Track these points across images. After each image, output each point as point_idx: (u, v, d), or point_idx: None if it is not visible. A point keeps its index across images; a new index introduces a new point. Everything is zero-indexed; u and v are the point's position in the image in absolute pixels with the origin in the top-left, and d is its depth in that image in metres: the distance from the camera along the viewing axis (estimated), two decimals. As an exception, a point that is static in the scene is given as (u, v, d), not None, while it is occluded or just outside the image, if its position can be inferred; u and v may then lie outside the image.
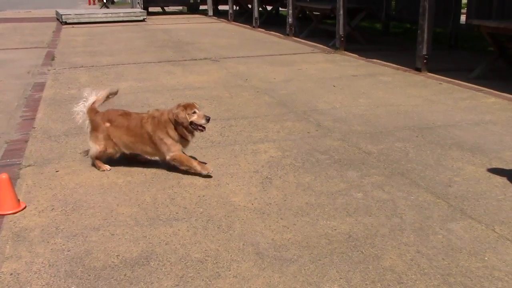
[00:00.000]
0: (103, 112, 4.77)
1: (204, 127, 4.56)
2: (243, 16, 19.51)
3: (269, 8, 20.24)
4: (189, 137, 4.60)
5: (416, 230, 3.60)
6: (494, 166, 4.73)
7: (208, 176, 4.53)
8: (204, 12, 23.55)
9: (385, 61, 10.41)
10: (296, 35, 14.57)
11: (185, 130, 4.51)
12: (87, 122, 4.74)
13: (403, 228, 3.63)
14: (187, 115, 4.44)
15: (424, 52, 9.21)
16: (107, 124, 4.65)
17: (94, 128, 4.68)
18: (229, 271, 3.12)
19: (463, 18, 13.49)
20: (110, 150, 4.70)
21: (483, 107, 6.82)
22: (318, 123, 6.16)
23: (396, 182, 4.42)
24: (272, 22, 17.80)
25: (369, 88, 8.08)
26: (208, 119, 4.50)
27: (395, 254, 3.30)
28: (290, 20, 14.69)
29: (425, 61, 9.24)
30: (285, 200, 4.09)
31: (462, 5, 14.41)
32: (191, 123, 4.48)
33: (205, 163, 4.69)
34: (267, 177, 4.56)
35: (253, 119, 6.34)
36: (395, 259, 3.23)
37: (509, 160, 4.88)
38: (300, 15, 17.26)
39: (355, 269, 3.13)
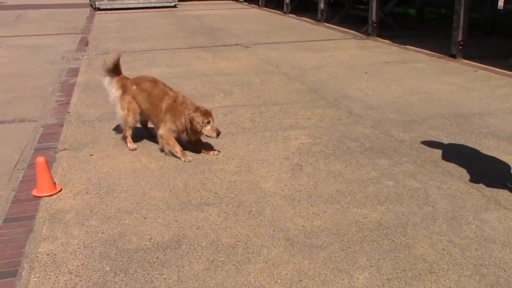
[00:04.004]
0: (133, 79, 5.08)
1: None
2: (274, 2, 19.35)
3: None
4: (192, 137, 4.71)
5: (448, 219, 3.55)
6: (531, 156, 4.62)
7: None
8: (235, -2, 23.48)
9: (418, 47, 10.21)
10: (327, 20, 14.40)
11: (192, 132, 4.62)
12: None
13: (435, 217, 3.58)
14: (201, 123, 4.51)
15: (460, 38, 9.00)
16: (134, 87, 4.89)
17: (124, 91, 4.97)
18: (259, 256, 3.15)
19: (500, 3, 13.09)
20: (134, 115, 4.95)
21: (521, 95, 6.64)
22: (350, 110, 6.10)
23: (429, 171, 4.35)
24: (303, 7, 17.61)
25: (402, 75, 7.95)
26: (218, 134, 4.60)
27: (427, 243, 3.27)
28: (321, 5, 14.52)
29: (460, 47, 9.02)
30: (315, 187, 4.09)
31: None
32: (203, 131, 4.58)
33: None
34: (297, 163, 4.55)
35: (284, 105, 6.32)
36: (426, 248, 3.20)
37: (547, 150, 4.75)
38: (332, 0, 17.04)
39: (385, 258, 3.11)
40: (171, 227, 3.49)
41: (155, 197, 3.95)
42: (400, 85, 7.29)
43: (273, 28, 13.65)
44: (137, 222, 3.58)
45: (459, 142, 4.99)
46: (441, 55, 9.33)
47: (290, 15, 16.61)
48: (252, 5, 20.66)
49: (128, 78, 5.07)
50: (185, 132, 4.67)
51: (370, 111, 6.04)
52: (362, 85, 7.30)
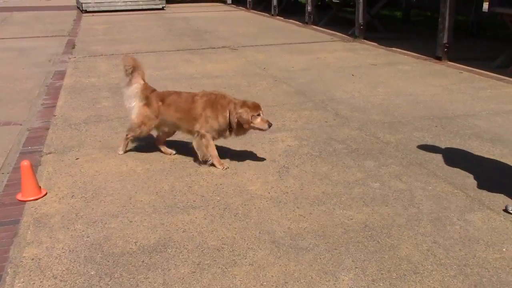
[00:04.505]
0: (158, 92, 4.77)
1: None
2: (261, 4, 19.39)
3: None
4: (237, 133, 4.47)
5: (433, 220, 3.59)
6: (514, 157, 4.68)
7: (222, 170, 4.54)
8: (223, 0, 23.49)
9: (405, 49, 10.29)
10: (315, 23, 14.47)
11: (240, 129, 4.39)
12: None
13: (420, 218, 3.61)
14: (250, 117, 4.28)
15: (445, 41, 9.09)
16: (159, 103, 4.61)
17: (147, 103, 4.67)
18: (245, 259, 3.15)
19: (485, 5, 13.24)
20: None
21: (504, 97, 6.71)
22: (336, 112, 6.13)
23: (414, 172, 4.39)
24: (291, 10, 17.68)
25: (388, 77, 8.01)
26: (270, 125, 4.37)
27: (412, 244, 3.29)
28: (309, 8, 14.58)
29: (445, 49, 9.12)
30: (301, 189, 4.10)
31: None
32: (253, 125, 4.34)
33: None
34: (284, 166, 4.57)
35: (271, 108, 6.33)
36: (411, 249, 3.23)
37: (530, 150, 4.81)
38: (319, 3, 17.13)
39: (370, 259, 3.13)
40: (157, 230, 3.49)
41: (141, 200, 3.94)
42: (386, 87, 7.34)
43: (261, 31, 13.68)
44: (122, 225, 3.57)
45: (444, 144, 5.03)
46: (426, 57, 9.42)
47: (278, 17, 16.65)
48: (240, 7, 20.69)
49: (154, 90, 4.72)
50: (227, 130, 4.44)
51: (357, 113, 6.08)
52: (348, 87, 7.34)
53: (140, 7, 19.85)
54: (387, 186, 4.14)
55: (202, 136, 4.45)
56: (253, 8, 19.47)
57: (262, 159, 4.72)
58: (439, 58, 9.18)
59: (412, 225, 3.53)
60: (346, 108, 6.29)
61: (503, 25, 10.40)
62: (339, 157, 4.75)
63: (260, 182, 4.25)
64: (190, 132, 4.57)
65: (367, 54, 10.09)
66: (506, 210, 3.65)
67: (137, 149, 5.01)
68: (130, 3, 19.89)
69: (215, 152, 4.52)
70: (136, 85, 4.69)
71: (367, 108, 6.28)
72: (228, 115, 4.37)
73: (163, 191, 4.09)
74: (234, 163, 4.64)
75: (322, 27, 13.91)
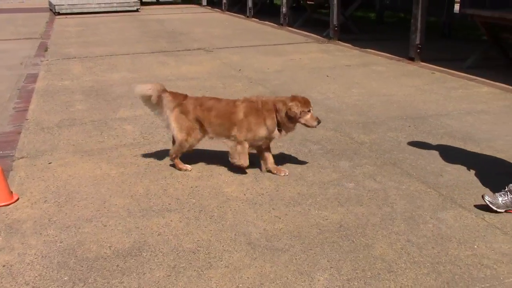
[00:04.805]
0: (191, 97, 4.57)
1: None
2: (237, 6, 19.42)
3: (263, -3, 20.15)
4: (285, 132, 4.36)
5: (406, 219, 3.63)
6: (485, 155, 4.77)
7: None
8: (198, 2, 23.45)
9: (378, 50, 10.41)
10: (290, 24, 14.53)
11: (289, 125, 4.29)
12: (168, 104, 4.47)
13: (394, 218, 3.66)
14: (300, 112, 4.20)
15: (418, 42, 9.22)
16: (197, 108, 4.40)
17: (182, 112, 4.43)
18: (221, 261, 3.14)
19: (457, 7, 13.48)
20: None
21: (475, 97, 6.85)
22: (311, 113, 6.16)
23: (388, 172, 4.44)
24: (266, 11, 17.74)
25: (363, 78, 8.09)
26: (319, 122, 4.33)
27: (386, 243, 3.33)
28: (284, 9, 14.64)
29: (418, 50, 9.25)
30: (277, 191, 4.12)
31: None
32: (302, 121, 4.27)
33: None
34: (259, 167, 4.57)
35: (246, 109, 6.33)
36: (385, 248, 3.27)
37: (500, 149, 4.91)
38: (294, 5, 17.20)
39: (345, 258, 3.16)
40: (131, 234, 3.46)
41: (116, 204, 3.90)
42: (361, 88, 7.41)
43: (236, 32, 13.69)
44: (97, 230, 3.53)
45: (417, 143, 5.10)
46: (400, 58, 9.54)
47: (253, 19, 16.68)
48: (215, 9, 20.67)
49: (185, 96, 4.52)
50: (275, 130, 4.30)
51: (331, 114, 6.12)
52: (323, 88, 7.39)
53: (114, 9, 19.67)
54: (362, 186, 4.18)
55: (239, 143, 4.33)
56: (228, 10, 19.48)
57: (238, 161, 4.72)
58: (412, 59, 9.32)
59: (386, 224, 3.57)
60: (321, 109, 6.33)
61: (474, 26, 10.60)
62: (314, 158, 4.78)
63: (236, 184, 4.25)
64: (228, 137, 4.41)
65: (342, 55, 10.18)
66: (483, 198, 3.71)
67: (111, 152, 4.96)
68: (104, 5, 19.70)
69: (247, 163, 4.38)
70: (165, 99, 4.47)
71: (342, 109, 6.33)
72: (275, 115, 4.27)
73: (138, 195, 4.06)
74: (210, 165, 4.63)
75: (297, 29, 13.98)
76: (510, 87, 7.33)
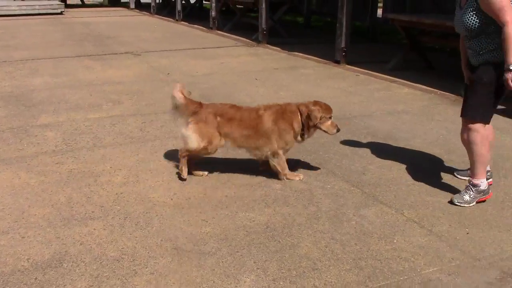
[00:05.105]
0: (209, 105, 4.43)
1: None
2: (166, 9, 19.21)
3: (192, 1, 20.05)
4: (305, 137, 4.37)
5: (331, 217, 3.72)
6: (404, 154, 4.98)
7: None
8: (126, 5, 22.97)
9: (306, 54, 10.62)
10: (219, 28, 14.55)
11: (309, 128, 4.30)
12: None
13: (319, 216, 3.74)
14: (321, 117, 4.23)
15: (343, 45, 9.49)
16: (218, 118, 4.28)
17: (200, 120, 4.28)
18: (146, 268, 3.09)
19: (380, 12, 14.03)
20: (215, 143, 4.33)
21: (397, 97, 7.14)
22: (240, 116, 6.19)
23: (314, 172, 4.54)
24: (195, 15, 17.66)
25: (291, 80, 8.22)
26: (338, 130, 4.36)
27: (311, 241, 3.40)
28: (213, 13, 14.64)
29: (343, 53, 9.52)
30: (204, 194, 4.10)
31: (379, 0, 14.96)
32: (322, 127, 4.30)
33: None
34: (187, 171, 4.53)
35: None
36: (310, 247, 3.33)
37: (418, 147, 5.14)
38: (224, 8, 17.23)
39: (272, 259, 3.19)
40: (52, 245, 3.32)
41: (35, 214, 3.73)
42: (289, 90, 7.53)
43: (165, 36, 13.53)
44: (13, 242, 3.36)
45: (342, 143, 5.25)
46: (326, 61, 9.78)
47: (182, 22, 16.56)
48: (144, 12, 20.32)
49: (201, 104, 4.37)
50: (299, 135, 4.32)
51: (260, 117, 6.17)
52: (252, 91, 7.45)
53: (36, 12, 18.87)
54: (289, 187, 4.25)
55: (275, 154, 4.30)
56: (157, 13, 19.21)
57: (166, 166, 4.66)
58: (338, 62, 9.58)
59: (312, 223, 3.64)
60: (249, 111, 6.37)
61: (396, 30, 11.05)
62: (242, 160, 4.80)
63: (163, 189, 4.19)
64: (255, 149, 4.35)
65: (270, 58, 10.31)
66: (455, 176, 4.02)
67: (31, 160, 4.75)
68: (25, 7, 18.88)
69: (287, 168, 4.37)
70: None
71: (270, 111, 6.38)
72: (300, 118, 4.25)
73: (59, 204, 3.91)
74: (136, 170, 4.54)
75: (227, 32, 14.02)
76: (429, 88, 7.70)
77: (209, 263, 3.14)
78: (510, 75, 3.55)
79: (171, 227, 3.58)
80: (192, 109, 4.29)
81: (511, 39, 3.52)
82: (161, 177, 4.40)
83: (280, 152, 4.32)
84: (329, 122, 4.31)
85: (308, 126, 4.26)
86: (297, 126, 4.27)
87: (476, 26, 3.71)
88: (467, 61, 4.09)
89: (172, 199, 4.00)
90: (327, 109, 4.30)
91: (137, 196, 4.04)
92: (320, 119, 4.24)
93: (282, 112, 4.28)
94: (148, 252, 3.25)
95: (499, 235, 3.50)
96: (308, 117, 4.21)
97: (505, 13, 3.52)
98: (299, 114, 4.26)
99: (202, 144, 4.24)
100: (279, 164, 4.32)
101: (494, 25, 3.64)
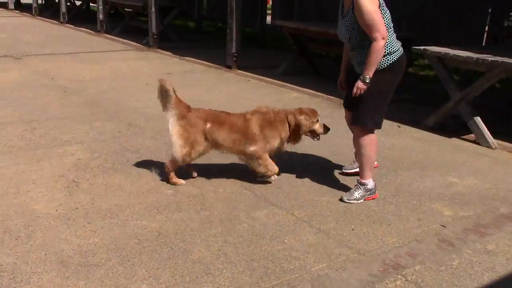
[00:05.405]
0: (197, 110, 4.37)
1: (319, 137, 4.47)
2: (49, 11, 18.22)
3: (78, 3, 19.19)
4: (294, 143, 4.43)
5: (223, 221, 3.74)
6: (293, 156, 5.14)
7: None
8: (4, 5, 21.43)
9: (198, 58, 10.62)
10: (108, 31, 14.09)
11: (298, 136, 4.36)
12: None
13: (211, 221, 3.74)
14: (309, 123, 4.32)
15: (234, 50, 9.62)
16: (208, 125, 4.25)
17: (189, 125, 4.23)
18: (28, 284, 2.89)
19: (269, 18, 14.42)
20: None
21: (286, 102, 7.35)
22: (130, 122, 6.03)
23: (206, 177, 4.53)
24: (82, 17, 16.94)
25: (182, 85, 8.14)
26: (327, 130, 4.41)
27: (204, 246, 3.38)
28: (101, 16, 14.14)
29: (235, 58, 9.65)
30: (93, 204, 3.93)
31: (269, 6, 15.39)
32: (311, 131, 4.38)
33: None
34: (73, 180, 4.32)
35: (59, 120, 5.96)
36: (203, 251, 3.32)
37: (306, 149, 5.33)
38: (112, 11, 16.75)
39: (164, 266, 3.13)
40: None
41: None
42: (180, 95, 7.45)
43: (49, 39, 12.83)
44: None
45: (233, 147, 5.29)
46: (218, 66, 9.85)
47: (68, 25, 15.81)
48: (24, 13, 19.09)
49: (189, 109, 4.34)
50: (287, 141, 4.40)
51: (151, 122, 6.06)
52: (143, 96, 7.29)
53: None
54: (181, 192, 4.20)
55: (259, 157, 4.31)
56: (40, 15, 18.15)
57: (50, 175, 4.40)
58: (229, 67, 9.68)
59: (205, 227, 3.63)
60: (140, 117, 6.23)
61: (285, 36, 11.41)
62: (133, 167, 4.67)
63: (47, 199, 3.95)
64: (242, 153, 4.39)
65: (162, 63, 10.17)
66: (343, 172, 4.25)
67: None
68: None
69: (276, 168, 4.41)
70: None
71: (162, 117, 6.25)
72: (287, 127, 4.32)
73: None
74: (16, 181, 4.23)
75: (116, 36, 13.61)
76: (316, 92, 8.04)
77: (98, 274, 3.01)
78: (360, 84, 3.86)
79: (56, 239, 3.38)
80: (181, 110, 4.26)
81: (375, 56, 3.78)
82: (44, 187, 4.15)
83: (265, 155, 4.36)
84: (317, 126, 4.42)
85: (298, 134, 4.37)
86: (284, 134, 4.37)
87: (356, 37, 3.91)
88: (347, 67, 4.33)
89: (57, 210, 3.79)
90: (312, 113, 4.40)
91: (18, 209, 3.77)
92: (310, 125, 4.36)
93: (269, 121, 4.34)
94: (31, 268, 3.05)
95: (381, 230, 3.73)
96: (298, 126, 4.32)
97: (375, 30, 3.74)
98: (287, 123, 4.34)
99: (185, 150, 4.22)
100: (265, 164, 4.35)
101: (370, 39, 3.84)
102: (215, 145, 4.34)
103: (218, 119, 4.33)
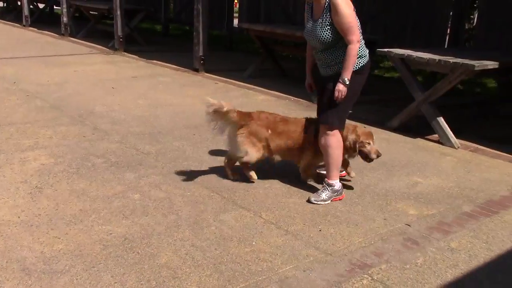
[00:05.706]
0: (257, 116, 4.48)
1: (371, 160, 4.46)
2: (11, 14, 17.81)
3: (41, 5, 18.81)
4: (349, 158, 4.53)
5: (191, 224, 3.71)
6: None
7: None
8: (-36, 8, 20.87)
9: (165, 62, 10.55)
10: (72, 35, 13.84)
11: (348, 154, 4.42)
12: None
13: (179, 224, 3.71)
14: (360, 143, 4.34)
15: (201, 53, 9.58)
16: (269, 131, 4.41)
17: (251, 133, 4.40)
18: (-11, 294, 2.81)
19: (236, 21, 14.42)
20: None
21: (253, 104, 7.37)
22: (95, 126, 5.94)
23: (173, 180, 4.49)
24: (46, 21, 16.61)
25: (149, 89, 8.09)
26: (378, 156, 4.39)
27: (171, 250, 3.35)
28: (65, 19, 13.88)
29: (202, 61, 9.62)
30: (57, 209, 3.84)
31: (236, 9, 15.41)
32: (360, 151, 4.38)
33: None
34: (36, 186, 4.22)
35: (21, 125, 5.82)
36: (170, 255, 3.28)
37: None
38: (77, 14, 16.48)
39: (130, 271, 3.09)
40: None
41: None
42: (147, 99, 7.40)
43: (11, 42, 12.53)
44: None
45: (201, 150, 5.28)
46: (185, 69, 9.80)
47: (31, 28, 15.47)
48: (-14, 16, 18.62)
49: (246, 115, 4.44)
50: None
51: (117, 126, 5.98)
52: (108, 100, 7.19)
53: None
54: (147, 196, 4.16)
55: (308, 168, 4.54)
56: (2, 18, 17.71)
57: (11, 182, 4.29)
58: (196, 70, 9.64)
59: (172, 231, 3.60)
60: (105, 121, 6.14)
61: (251, 39, 11.44)
62: (98, 172, 4.60)
63: (8, 206, 3.85)
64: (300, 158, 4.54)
65: (128, 66, 10.05)
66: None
67: None
68: None
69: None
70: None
71: (128, 121, 6.23)
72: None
73: None
74: (-24, 188, 4.12)
75: (81, 39, 13.39)
76: (282, 94, 8.08)
77: (62, 282, 2.95)
78: (341, 87, 3.93)
79: (18, 247, 3.30)
80: (242, 120, 4.39)
81: (352, 57, 3.90)
82: (6, 194, 4.04)
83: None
84: (368, 148, 4.39)
85: (348, 149, 4.39)
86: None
87: (330, 40, 3.97)
88: (311, 68, 4.40)
89: (19, 217, 3.69)
90: (367, 134, 4.40)
91: (-22, 217, 3.67)
92: (361, 144, 4.37)
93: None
94: (-9, 277, 2.96)
95: (347, 230, 3.76)
96: (353, 144, 4.35)
97: (352, 33, 3.86)
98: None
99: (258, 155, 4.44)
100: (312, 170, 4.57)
101: (343, 40, 3.93)
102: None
103: (279, 127, 4.46)
